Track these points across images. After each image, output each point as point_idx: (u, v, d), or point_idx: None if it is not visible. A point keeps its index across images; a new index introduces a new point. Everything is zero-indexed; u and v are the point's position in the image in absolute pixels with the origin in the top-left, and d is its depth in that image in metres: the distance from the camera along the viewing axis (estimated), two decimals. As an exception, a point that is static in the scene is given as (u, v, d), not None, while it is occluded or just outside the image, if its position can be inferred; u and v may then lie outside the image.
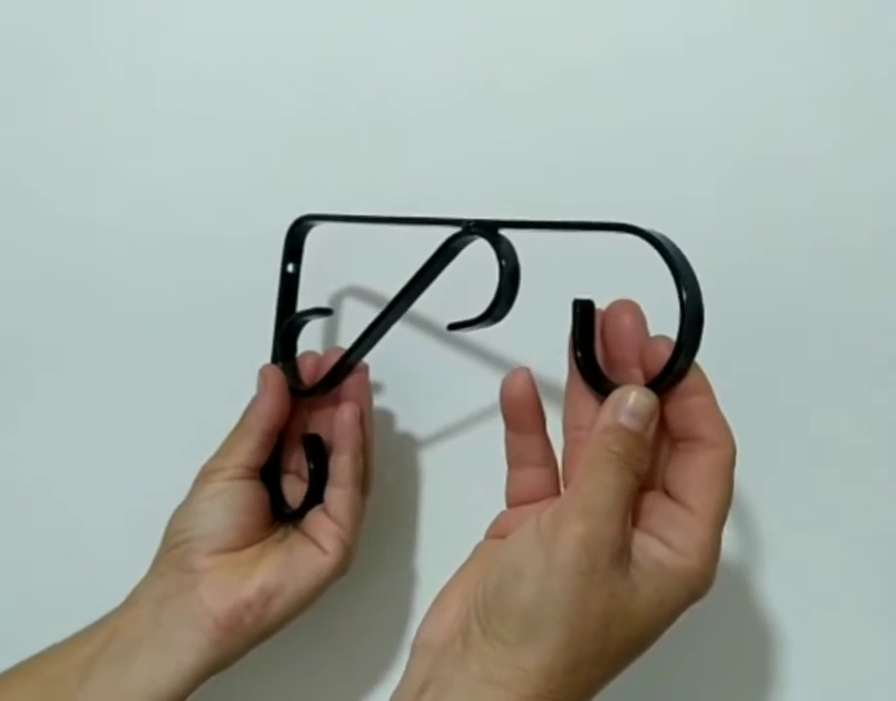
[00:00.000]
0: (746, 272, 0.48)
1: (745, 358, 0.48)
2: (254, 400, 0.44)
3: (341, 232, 0.46)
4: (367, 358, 0.43)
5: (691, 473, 0.33)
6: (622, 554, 0.32)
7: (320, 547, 0.42)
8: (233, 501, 0.42)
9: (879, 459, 0.49)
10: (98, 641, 0.40)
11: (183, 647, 0.39)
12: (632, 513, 0.34)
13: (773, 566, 0.49)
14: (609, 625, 0.31)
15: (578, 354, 0.36)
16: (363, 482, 0.44)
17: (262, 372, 0.44)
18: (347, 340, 0.44)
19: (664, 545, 0.33)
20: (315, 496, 0.44)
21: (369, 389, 0.46)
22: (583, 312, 0.36)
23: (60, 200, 0.51)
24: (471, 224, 0.38)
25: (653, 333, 0.36)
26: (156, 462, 0.50)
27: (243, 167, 0.51)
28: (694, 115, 0.49)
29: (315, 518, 0.43)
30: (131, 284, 0.51)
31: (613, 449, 0.33)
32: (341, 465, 0.43)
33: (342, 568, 0.42)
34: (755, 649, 0.49)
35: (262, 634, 0.41)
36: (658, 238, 0.33)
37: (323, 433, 0.45)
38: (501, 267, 0.36)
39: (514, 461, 0.38)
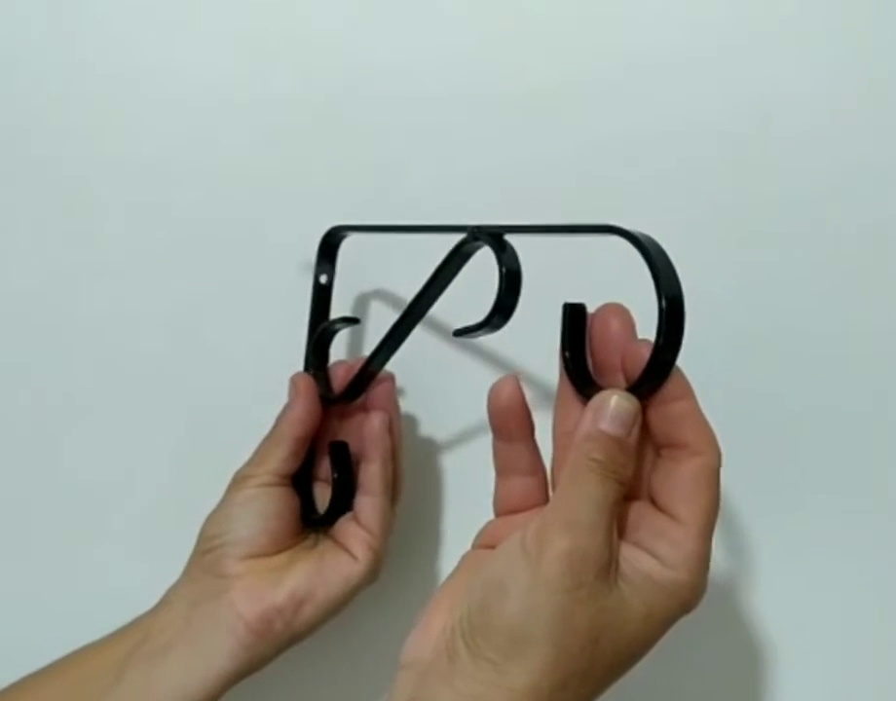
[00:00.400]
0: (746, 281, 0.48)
1: (737, 371, 0.49)
2: (286, 408, 0.44)
3: (366, 240, 0.47)
4: (388, 366, 0.44)
5: (676, 482, 0.32)
6: (609, 567, 0.31)
7: (351, 554, 0.42)
8: (265, 508, 0.43)
9: (876, 470, 0.49)
10: (132, 641, 0.41)
11: (214, 651, 0.40)
12: (620, 524, 0.33)
13: (765, 580, 0.49)
14: (597, 641, 0.30)
15: (568, 358, 0.35)
16: (392, 490, 0.44)
17: (293, 380, 0.45)
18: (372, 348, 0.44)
19: (653, 558, 0.32)
20: (339, 503, 0.44)
21: (396, 398, 0.46)
22: (573, 315, 0.36)
23: (98, 207, 0.52)
24: (475, 230, 0.37)
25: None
26: (189, 470, 0.51)
27: (269, 175, 0.52)
28: (697, 122, 0.50)
29: (345, 525, 0.44)
30: (161, 292, 0.52)
31: (594, 457, 0.32)
32: (371, 474, 0.43)
33: (372, 575, 0.43)
34: (745, 664, 0.49)
35: (292, 639, 0.41)
36: (640, 237, 0.32)
37: (353, 442, 0.45)
38: (500, 273, 0.36)
39: (502, 469, 0.38)
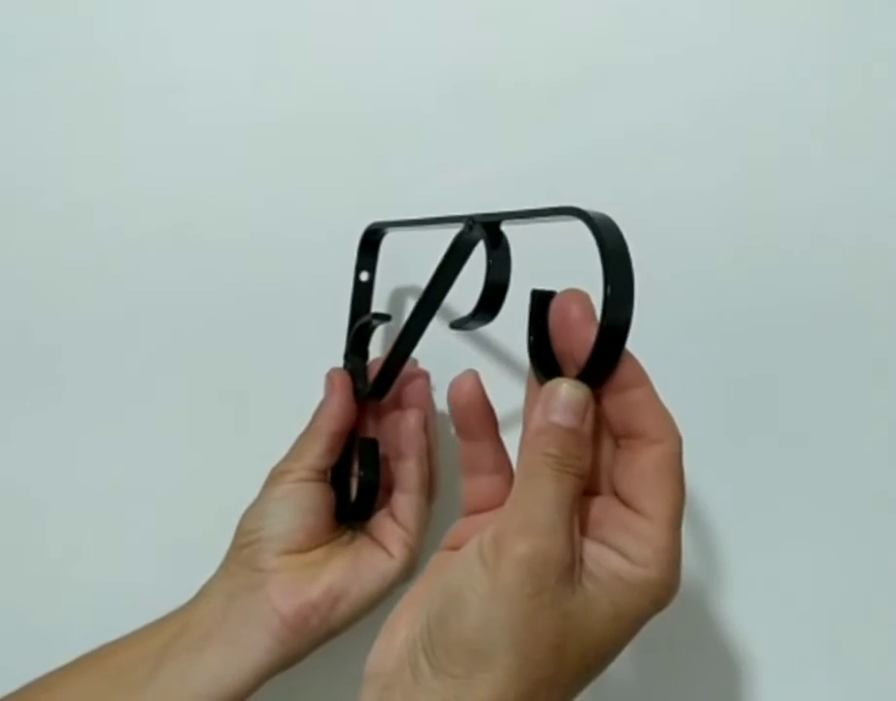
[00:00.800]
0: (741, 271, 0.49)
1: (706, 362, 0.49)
2: (322, 403, 0.44)
3: (405, 237, 0.47)
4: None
5: (638, 474, 0.31)
6: (572, 568, 0.30)
7: (387, 551, 0.42)
8: (301, 503, 0.43)
9: (853, 470, 0.49)
10: (169, 633, 0.41)
11: (250, 644, 0.40)
12: (584, 521, 0.32)
13: (740, 583, 0.49)
14: (562, 646, 0.29)
15: (533, 348, 0.34)
16: (428, 487, 0.44)
17: (329, 376, 0.45)
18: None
19: (621, 556, 0.30)
20: (364, 500, 0.44)
21: (431, 396, 0.46)
22: (540, 302, 0.34)
23: (127, 209, 0.52)
24: (471, 220, 0.36)
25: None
26: (227, 466, 0.51)
27: (304, 171, 0.52)
28: (691, 117, 0.50)
29: (382, 522, 0.44)
30: (201, 289, 0.52)
31: (548, 452, 0.30)
32: (407, 471, 0.43)
33: (408, 572, 0.43)
34: (718, 667, 0.49)
35: (327, 635, 0.41)
36: (595, 217, 0.30)
37: (389, 439, 0.45)
38: (488, 265, 0.35)
39: (466, 468, 0.37)
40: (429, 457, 0.44)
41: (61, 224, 0.52)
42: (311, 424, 0.44)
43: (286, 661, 0.41)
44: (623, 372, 0.31)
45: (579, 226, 0.31)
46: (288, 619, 0.40)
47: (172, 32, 0.52)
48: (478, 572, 0.30)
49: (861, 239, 0.51)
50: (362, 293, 0.48)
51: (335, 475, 0.45)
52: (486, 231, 0.36)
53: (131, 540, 0.51)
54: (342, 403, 0.44)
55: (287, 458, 0.44)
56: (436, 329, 0.41)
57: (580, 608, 0.29)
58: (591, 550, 0.31)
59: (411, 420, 0.43)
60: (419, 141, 0.51)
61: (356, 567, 0.42)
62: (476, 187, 0.50)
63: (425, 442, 0.43)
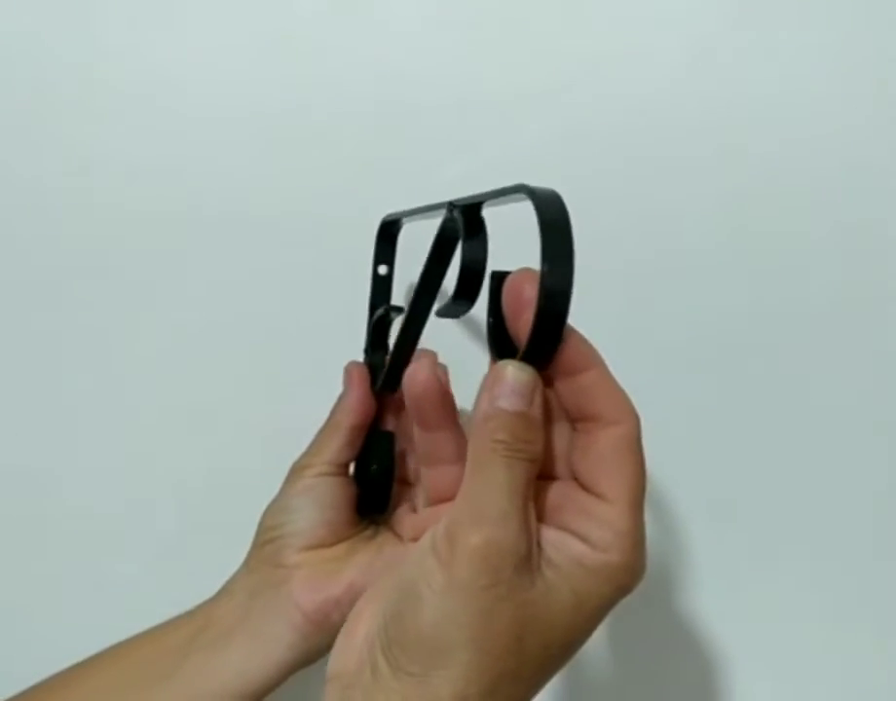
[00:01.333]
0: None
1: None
2: (340, 397, 0.44)
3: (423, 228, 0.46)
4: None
5: (595, 457, 0.30)
6: (528, 557, 0.29)
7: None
8: (322, 498, 0.43)
9: (824, 463, 0.49)
10: (194, 627, 0.41)
11: (273, 640, 0.40)
12: (543, 508, 0.31)
13: (709, 578, 0.49)
14: (523, 638, 0.28)
15: (491, 329, 0.33)
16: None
17: (347, 369, 0.45)
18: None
19: (581, 541, 0.29)
20: (375, 493, 0.44)
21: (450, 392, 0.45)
22: (497, 284, 0.32)
23: (154, 196, 0.52)
24: (451, 205, 0.35)
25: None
26: (247, 461, 0.51)
27: (321, 162, 0.52)
28: (686, 117, 0.50)
29: (404, 517, 0.43)
30: (218, 278, 0.52)
31: (497, 438, 0.29)
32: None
33: None
34: (686, 660, 0.49)
35: None
36: (537, 190, 0.29)
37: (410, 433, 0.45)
38: (462, 250, 0.34)
39: (425, 459, 0.36)
40: None
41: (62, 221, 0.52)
42: (329, 418, 0.44)
43: (309, 657, 0.41)
44: (571, 353, 0.30)
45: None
46: (311, 615, 0.40)
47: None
48: (432, 567, 0.29)
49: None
50: (381, 286, 0.48)
51: (356, 469, 0.45)
52: (463, 216, 0.35)
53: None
54: (360, 397, 0.43)
55: (307, 452, 0.44)
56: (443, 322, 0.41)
57: (540, 598, 0.28)
58: (551, 536, 0.30)
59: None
60: (434, 128, 0.51)
61: (378, 562, 0.41)
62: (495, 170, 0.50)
63: None
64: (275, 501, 0.44)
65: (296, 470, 0.44)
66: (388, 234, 0.47)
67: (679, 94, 0.50)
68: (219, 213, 0.52)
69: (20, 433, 0.51)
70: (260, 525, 0.44)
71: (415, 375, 0.34)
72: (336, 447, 0.43)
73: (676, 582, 0.49)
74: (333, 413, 0.44)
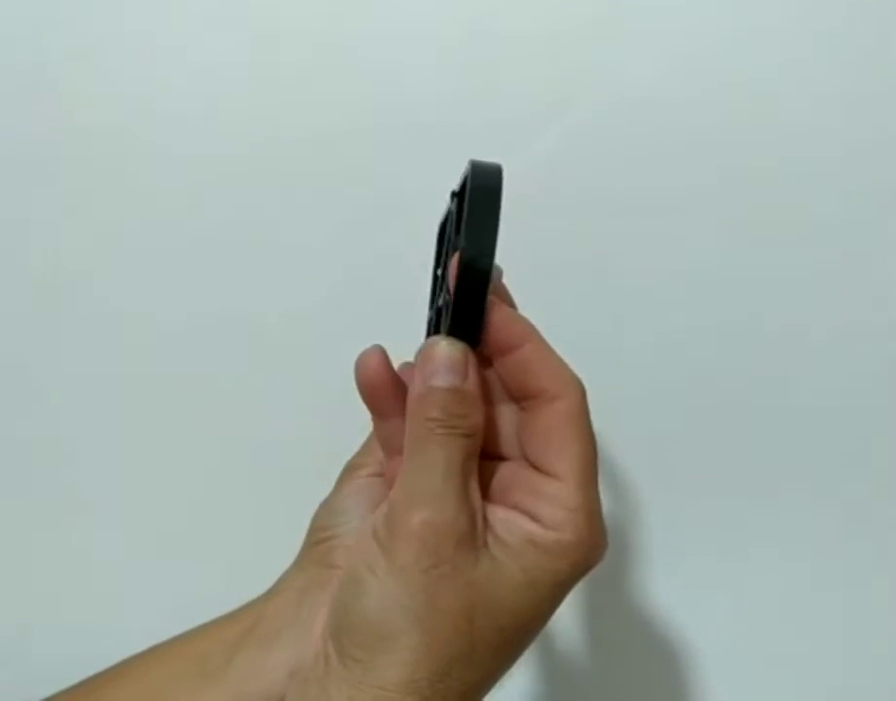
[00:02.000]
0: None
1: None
2: None
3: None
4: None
5: (540, 434, 0.29)
6: (471, 535, 0.28)
7: None
8: (375, 499, 0.42)
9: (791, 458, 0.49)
10: (245, 624, 0.42)
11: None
12: (494, 489, 0.30)
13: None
14: (472, 619, 0.27)
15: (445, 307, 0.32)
16: None
17: (403, 368, 0.44)
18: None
19: (532, 520, 0.29)
20: None
21: None
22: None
23: (205, 207, 0.53)
24: (453, 193, 0.35)
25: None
26: (297, 461, 0.52)
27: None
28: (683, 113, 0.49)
29: None
30: (280, 292, 0.53)
31: (431, 416, 0.29)
32: None
33: None
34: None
35: None
36: (479, 161, 0.29)
37: None
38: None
39: (384, 447, 0.35)
40: None
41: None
42: None
43: None
44: (500, 329, 0.29)
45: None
46: None
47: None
48: (374, 552, 0.29)
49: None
50: (441, 288, 0.48)
51: None
52: (456, 200, 0.34)
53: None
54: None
55: (360, 451, 0.44)
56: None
57: (486, 577, 0.28)
58: (501, 515, 0.29)
59: None
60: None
61: None
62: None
63: None
64: (327, 501, 0.44)
65: (349, 470, 0.44)
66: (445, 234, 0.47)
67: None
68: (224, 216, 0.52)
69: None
70: (312, 524, 0.44)
71: (367, 363, 0.33)
72: None
73: (636, 562, 0.49)
74: None
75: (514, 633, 0.28)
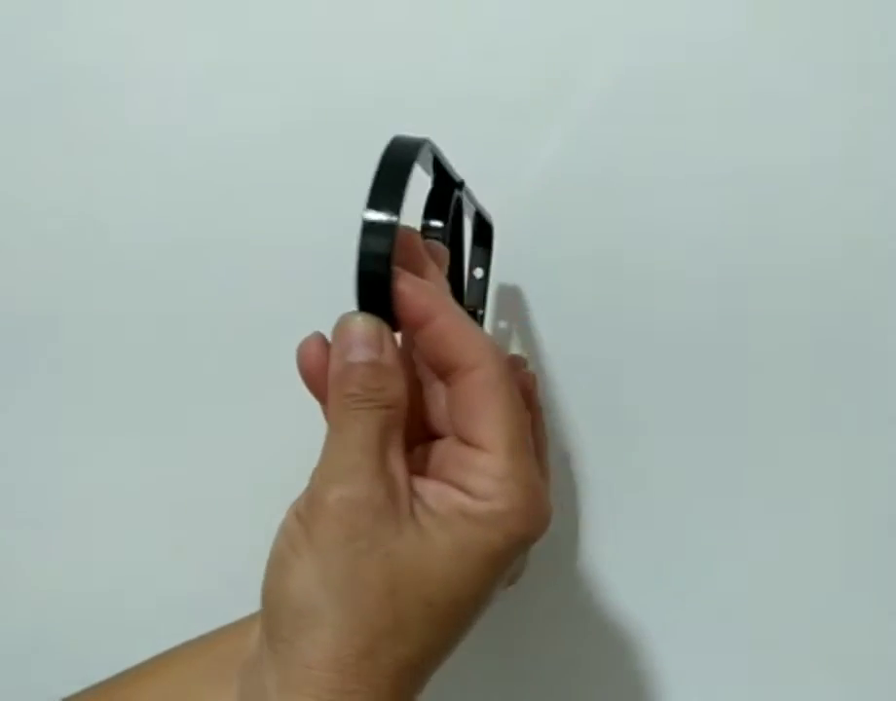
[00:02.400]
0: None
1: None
2: None
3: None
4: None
5: (462, 406, 0.28)
6: (390, 506, 0.27)
7: None
8: None
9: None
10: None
11: None
12: (426, 466, 0.30)
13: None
14: (396, 591, 0.27)
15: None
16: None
17: None
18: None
19: (464, 493, 0.28)
20: None
21: (536, 396, 0.43)
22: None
23: (220, 213, 0.51)
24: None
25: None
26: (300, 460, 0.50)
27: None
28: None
29: None
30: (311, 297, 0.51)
31: (348, 392, 0.28)
32: None
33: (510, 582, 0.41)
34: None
35: None
36: (400, 136, 0.29)
37: None
38: None
39: None
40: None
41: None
42: None
43: None
44: (413, 301, 0.28)
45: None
46: None
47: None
48: (296, 531, 0.28)
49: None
50: (477, 290, 0.47)
51: None
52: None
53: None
54: None
55: None
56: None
57: (411, 547, 0.27)
58: (434, 488, 0.28)
59: None
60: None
61: None
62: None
63: None
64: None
65: None
66: (484, 237, 0.47)
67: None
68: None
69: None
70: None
71: (306, 350, 0.32)
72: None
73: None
74: None
75: (447, 605, 0.27)
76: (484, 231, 0.46)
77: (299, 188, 0.50)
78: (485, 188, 0.44)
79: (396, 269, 0.29)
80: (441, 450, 0.30)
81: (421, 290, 0.29)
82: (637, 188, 0.47)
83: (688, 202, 0.47)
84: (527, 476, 0.28)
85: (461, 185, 0.37)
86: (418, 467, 0.30)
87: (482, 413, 0.28)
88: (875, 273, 0.46)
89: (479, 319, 0.45)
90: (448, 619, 0.28)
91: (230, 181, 0.50)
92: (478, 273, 0.47)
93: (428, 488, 0.29)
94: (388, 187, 0.28)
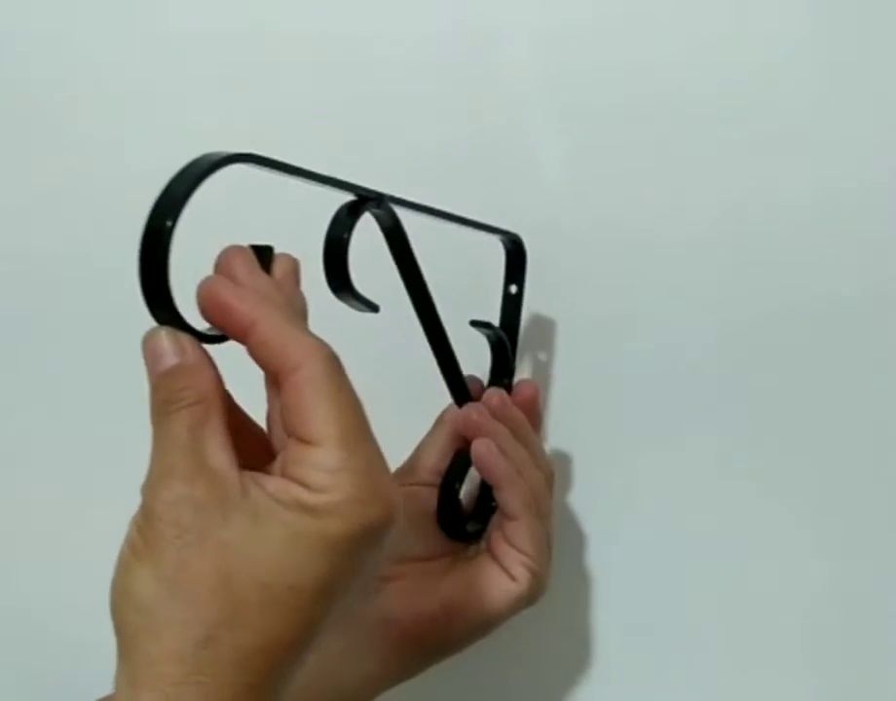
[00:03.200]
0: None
1: None
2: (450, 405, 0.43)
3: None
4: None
5: (290, 406, 0.29)
6: (216, 497, 0.28)
7: (509, 574, 0.39)
8: (421, 509, 0.41)
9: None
10: None
11: (366, 654, 0.39)
12: (272, 470, 0.29)
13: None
14: (230, 579, 0.27)
15: None
16: (538, 505, 0.41)
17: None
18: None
19: (303, 487, 0.28)
20: (448, 508, 0.42)
21: (535, 406, 0.44)
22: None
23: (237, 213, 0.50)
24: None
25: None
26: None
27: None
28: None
29: (499, 544, 0.41)
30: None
31: (159, 400, 0.29)
32: (503, 499, 0.40)
33: (531, 597, 0.40)
34: None
35: (442, 651, 0.40)
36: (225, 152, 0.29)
37: None
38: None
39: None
40: (524, 474, 0.40)
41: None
42: (433, 426, 0.43)
43: (401, 675, 0.39)
44: (233, 313, 0.29)
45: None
46: (405, 630, 0.39)
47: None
48: (135, 538, 0.29)
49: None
50: (511, 306, 0.47)
51: (441, 489, 0.43)
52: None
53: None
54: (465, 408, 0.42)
55: (409, 458, 0.43)
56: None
57: (241, 535, 0.27)
58: (276, 482, 0.28)
59: (480, 448, 0.40)
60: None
61: (477, 584, 0.39)
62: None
63: (504, 466, 0.40)
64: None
65: (395, 476, 0.43)
66: (516, 253, 0.46)
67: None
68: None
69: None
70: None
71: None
72: (434, 453, 0.42)
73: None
74: (437, 421, 0.43)
75: (283, 590, 0.27)
76: (515, 247, 0.46)
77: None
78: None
79: (216, 278, 0.30)
80: (284, 453, 0.31)
81: (238, 297, 0.29)
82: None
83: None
84: (360, 465, 0.28)
85: (377, 199, 0.36)
86: (270, 471, 0.31)
87: (309, 410, 0.28)
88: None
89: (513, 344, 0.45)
90: (286, 606, 0.27)
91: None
92: (513, 289, 0.47)
93: (270, 481, 0.29)
94: (169, 197, 0.28)
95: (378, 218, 0.37)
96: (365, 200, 0.35)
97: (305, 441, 0.28)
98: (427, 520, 0.41)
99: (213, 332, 0.31)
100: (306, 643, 0.28)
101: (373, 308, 0.35)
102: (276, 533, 0.27)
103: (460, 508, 0.43)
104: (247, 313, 0.29)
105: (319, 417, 0.28)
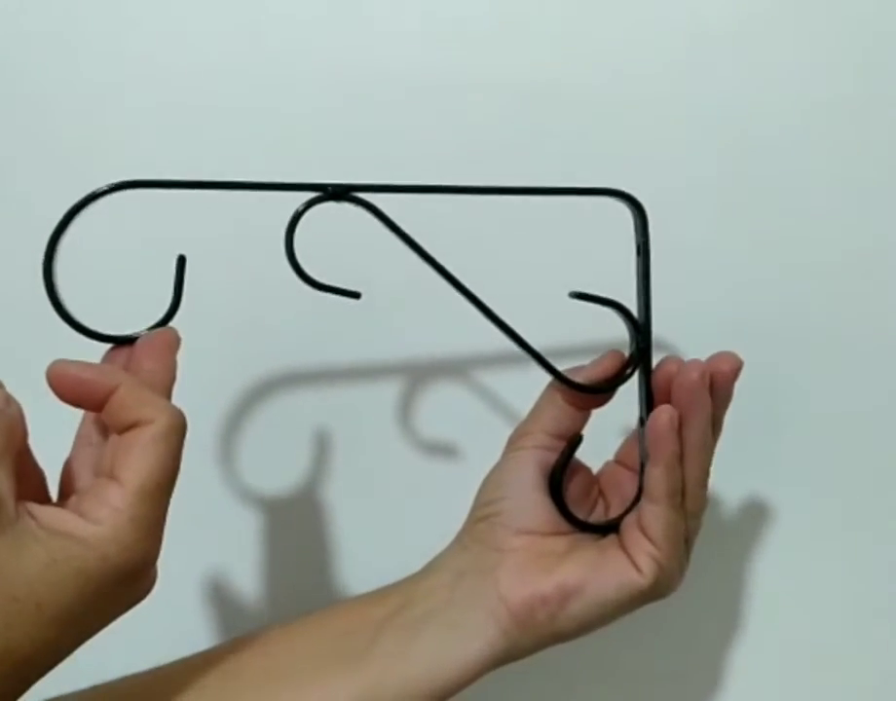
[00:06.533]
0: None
1: None
2: None
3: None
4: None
5: (122, 448, 0.31)
6: None
7: (634, 564, 0.37)
8: (538, 473, 0.38)
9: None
10: (392, 605, 0.38)
11: (472, 631, 0.36)
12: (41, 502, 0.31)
13: None
14: None
15: None
16: (683, 498, 0.38)
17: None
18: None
19: (77, 515, 0.30)
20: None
21: (701, 394, 0.37)
22: None
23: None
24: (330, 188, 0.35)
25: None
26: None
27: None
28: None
29: (630, 530, 0.38)
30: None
31: None
32: (654, 478, 0.37)
33: (656, 591, 0.37)
34: None
35: (553, 636, 0.37)
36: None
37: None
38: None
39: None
40: (683, 463, 0.37)
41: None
42: (548, 385, 0.39)
43: (507, 656, 0.37)
44: (89, 384, 0.31)
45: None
46: (514, 610, 0.36)
47: None
48: None
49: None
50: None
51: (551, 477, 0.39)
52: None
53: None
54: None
55: (526, 419, 0.40)
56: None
57: (4, 551, 0.29)
58: (52, 510, 0.30)
59: (660, 417, 0.36)
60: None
61: (598, 568, 0.37)
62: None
63: (676, 446, 0.37)
64: (490, 474, 0.39)
65: (512, 440, 0.39)
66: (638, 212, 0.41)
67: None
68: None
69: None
70: (476, 498, 0.39)
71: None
72: (552, 415, 0.38)
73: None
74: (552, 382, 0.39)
75: (32, 607, 0.29)
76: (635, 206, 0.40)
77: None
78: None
79: (67, 361, 0.32)
80: (91, 485, 0.32)
81: (99, 372, 0.32)
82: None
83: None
84: (144, 517, 0.30)
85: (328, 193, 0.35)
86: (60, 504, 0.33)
87: (134, 456, 0.31)
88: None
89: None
90: (30, 622, 0.29)
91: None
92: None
93: (44, 511, 0.30)
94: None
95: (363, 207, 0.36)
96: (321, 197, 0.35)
97: (111, 478, 0.31)
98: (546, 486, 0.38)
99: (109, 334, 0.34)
100: (44, 661, 0.30)
101: (352, 295, 0.36)
102: (37, 555, 0.29)
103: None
104: (107, 383, 0.31)
105: (137, 464, 0.30)
